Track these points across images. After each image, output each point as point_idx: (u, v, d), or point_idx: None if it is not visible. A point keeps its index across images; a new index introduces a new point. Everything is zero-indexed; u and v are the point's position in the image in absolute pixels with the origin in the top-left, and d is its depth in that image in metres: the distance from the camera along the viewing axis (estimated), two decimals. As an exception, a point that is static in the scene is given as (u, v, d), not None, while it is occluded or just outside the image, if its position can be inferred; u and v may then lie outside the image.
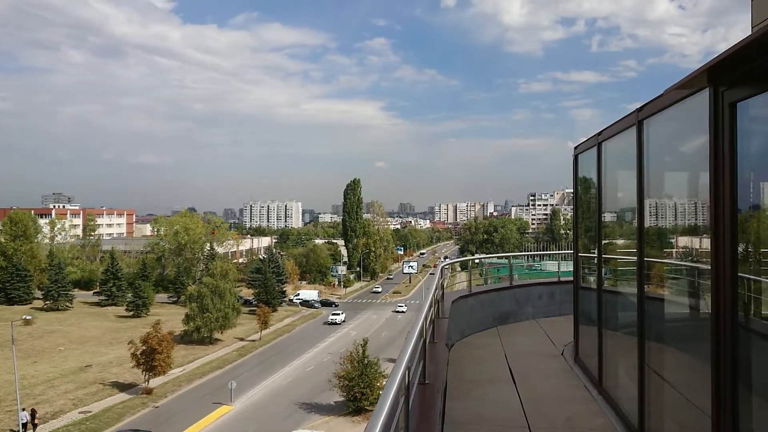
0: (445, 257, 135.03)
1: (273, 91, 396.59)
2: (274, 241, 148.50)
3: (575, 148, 8.44)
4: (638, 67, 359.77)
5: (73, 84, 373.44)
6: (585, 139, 7.87)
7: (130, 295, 76.99)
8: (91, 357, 53.73)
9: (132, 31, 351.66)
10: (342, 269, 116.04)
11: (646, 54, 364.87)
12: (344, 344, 54.58)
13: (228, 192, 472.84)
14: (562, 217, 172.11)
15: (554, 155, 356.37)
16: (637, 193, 5.45)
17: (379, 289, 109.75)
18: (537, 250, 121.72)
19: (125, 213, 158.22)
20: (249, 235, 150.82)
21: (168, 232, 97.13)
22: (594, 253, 7.58)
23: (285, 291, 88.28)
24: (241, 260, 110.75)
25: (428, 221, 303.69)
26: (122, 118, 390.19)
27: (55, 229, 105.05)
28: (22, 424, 35.34)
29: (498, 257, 25.63)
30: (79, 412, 39.84)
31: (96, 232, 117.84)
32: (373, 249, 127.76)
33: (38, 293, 79.03)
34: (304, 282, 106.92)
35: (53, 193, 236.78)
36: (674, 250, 5.36)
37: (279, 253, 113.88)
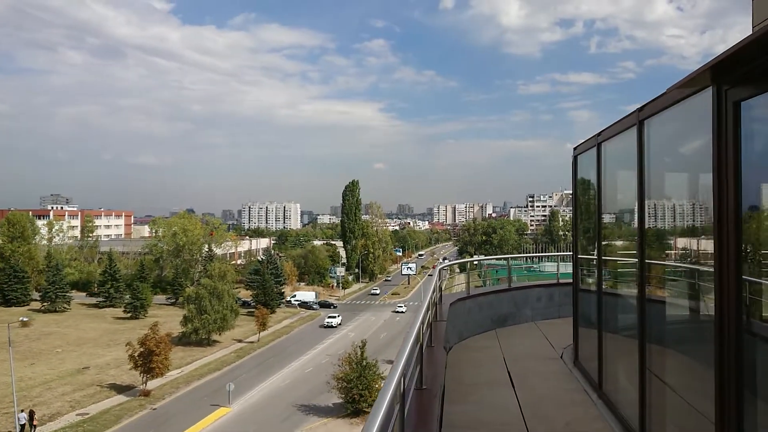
0: (444, 258, 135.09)
1: (271, 92, 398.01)
2: (272, 242, 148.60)
3: (574, 149, 8.36)
4: (637, 69, 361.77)
5: (71, 85, 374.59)
6: (583, 140, 7.79)
7: (128, 296, 76.88)
8: (88, 359, 53.62)
9: (131, 32, 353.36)
10: (340, 270, 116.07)
11: (645, 55, 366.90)
12: (342, 346, 54.51)
13: (226, 193, 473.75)
14: (560, 219, 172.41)
15: (553, 156, 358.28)
16: (638, 194, 5.38)
17: (378, 291, 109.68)
18: (536, 252, 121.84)
19: (123, 214, 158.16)
20: (247, 237, 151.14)
21: (166, 234, 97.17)
22: (593, 254, 7.51)
23: (283, 292, 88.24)
24: (239, 261, 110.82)
25: (427, 222, 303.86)
26: (121, 119, 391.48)
27: (53, 230, 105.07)
28: (21, 426, 35.24)
29: (497, 259, 25.50)
30: (77, 414, 39.75)
31: (94, 234, 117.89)
32: (372, 250, 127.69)
33: (36, 295, 78.94)
34: (302, 283, 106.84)
35: (51, 195, 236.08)
36: (675, 251, 5.28)
37: (277, 254, 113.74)
